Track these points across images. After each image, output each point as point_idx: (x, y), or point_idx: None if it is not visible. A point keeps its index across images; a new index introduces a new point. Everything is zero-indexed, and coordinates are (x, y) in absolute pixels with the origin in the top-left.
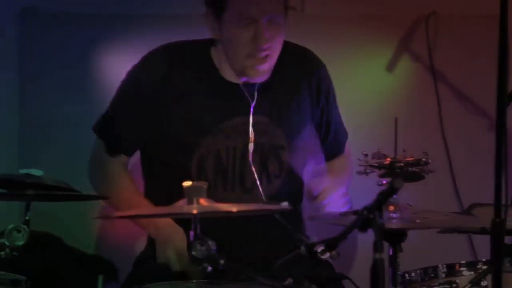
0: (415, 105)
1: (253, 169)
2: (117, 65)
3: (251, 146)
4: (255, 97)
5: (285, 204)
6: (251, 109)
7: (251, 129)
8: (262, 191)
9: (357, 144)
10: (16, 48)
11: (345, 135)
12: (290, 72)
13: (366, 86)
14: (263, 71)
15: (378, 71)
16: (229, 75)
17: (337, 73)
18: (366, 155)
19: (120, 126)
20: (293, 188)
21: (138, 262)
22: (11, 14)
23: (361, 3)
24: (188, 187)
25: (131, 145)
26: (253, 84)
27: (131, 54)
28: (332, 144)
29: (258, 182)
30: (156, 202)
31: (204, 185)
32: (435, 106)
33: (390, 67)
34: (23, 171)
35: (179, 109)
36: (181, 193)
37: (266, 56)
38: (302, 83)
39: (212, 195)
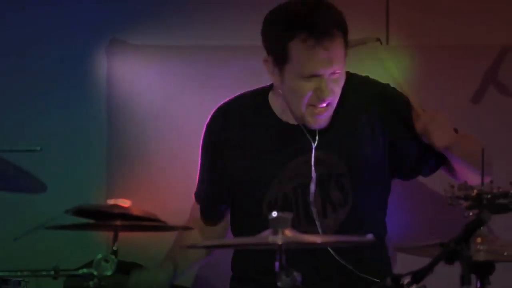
0: (501, 136)
1: (314, 209)
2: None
3: (312, 187)
4: (316, 138)
5: (369, 236)
6: (313, 150)
7: (313, 168)
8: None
9: (444, 176)
10: (104, 79)
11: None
12: (352, 107)
13: (451, 118)
14: (323, 120)
15: (464, 103)
16: (289, 118)
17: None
18: (452, 186)
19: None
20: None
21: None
22: (100, 45)
23: (445, 33)
24: (274, 218)
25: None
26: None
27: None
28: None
29: (315, 216)
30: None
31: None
32: None
33: (477, 99)
34: (110, 201)
35: (238, 156)
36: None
37: (327, 105)
38: (362, 115)
39: None
